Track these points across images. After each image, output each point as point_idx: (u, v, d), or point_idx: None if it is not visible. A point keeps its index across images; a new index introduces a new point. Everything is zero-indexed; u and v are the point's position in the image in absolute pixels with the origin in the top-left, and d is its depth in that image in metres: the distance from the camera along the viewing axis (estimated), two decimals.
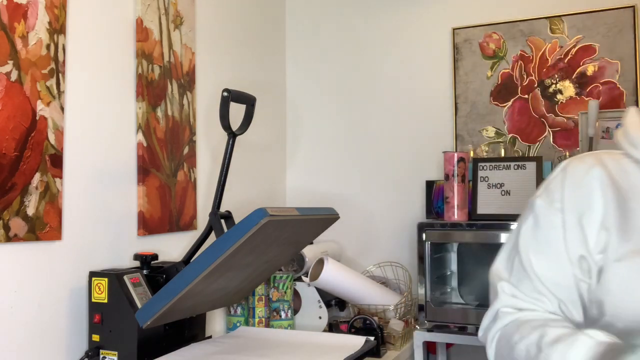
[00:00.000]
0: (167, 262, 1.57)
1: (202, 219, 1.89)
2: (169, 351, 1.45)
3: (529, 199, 0.96)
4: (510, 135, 2.21)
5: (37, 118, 1.33)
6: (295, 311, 1.98)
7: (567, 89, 2.14)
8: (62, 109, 1.40)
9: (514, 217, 1.88)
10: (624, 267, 0.81)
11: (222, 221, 1.49)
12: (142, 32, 1.66)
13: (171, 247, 1.76)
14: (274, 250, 1.47)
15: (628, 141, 0.86)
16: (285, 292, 1.89)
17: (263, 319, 1.84)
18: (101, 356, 1.38)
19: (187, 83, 1.86)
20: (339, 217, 1.55)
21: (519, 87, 2.21)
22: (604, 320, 0.84)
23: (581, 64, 2.12)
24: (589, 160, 0.89)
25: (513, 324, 0.91)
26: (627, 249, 0.81)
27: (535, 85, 2.18)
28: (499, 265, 0.99)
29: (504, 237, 1.86)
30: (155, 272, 1.48)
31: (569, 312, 0.89)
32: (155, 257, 1.51)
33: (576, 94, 2.13)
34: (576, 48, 2.13)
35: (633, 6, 2.06)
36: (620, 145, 0.88)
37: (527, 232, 0.93)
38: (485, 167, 2.02)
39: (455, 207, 1.97)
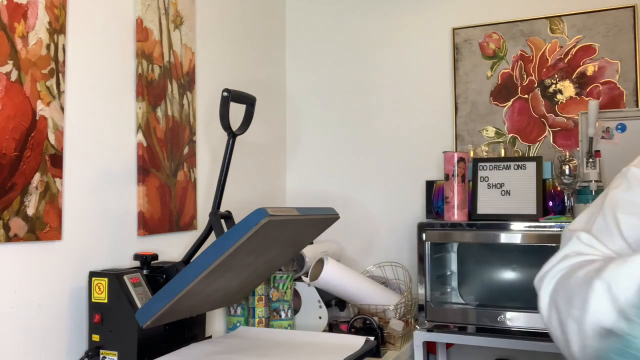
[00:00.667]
0: (167, 262, 1.57)
1: (202, 219, 1.89)
2: (169, 351, 1.45)
3: (622, 168, 0.94)
4: (510, 135, 2.21)
5: (37, 118, 1.33)
6: (295, 311, 1.98)
7: (567, 89, 2.14)
8: (62, 109, 1.40)
9: (514, 217, 1.90)
10: None
11: (222, 221, 1.49)
12: (142, 32, 1.66)
13: (171, 247, 1.76)
14: (274, 250, 1.47)
15: None
16: (285, 292, 1.89)
17: (263, 319, 1.84)
18: (101, 356, 1.38)
19: (187, 83, 1.86)
20: (339, 217, 1.55)
21: (519, 87, 2.21)
22: None
23: (581, 64, 2.12)
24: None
25: (579, 263, 0.88)
26: None
27: (535, 85, 2.18)
28: (578, 221, 0.95)
29: (504, 237, 1.86)
30: (155, 272, 1.48)
31: None
32: (155, 257, 1.51)
33: (576, 94, 2.13)
34: (576, 48, 2.13)
35: (633, 6, 2.06)
36: None
37: (618, 194, 0.92)
38: (485, 167, 2.02)
39: (455, 207, 1.97)
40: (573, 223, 0.97)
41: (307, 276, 2.00)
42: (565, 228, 0.98)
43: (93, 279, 1.40)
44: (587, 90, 2.11)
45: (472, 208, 2.00)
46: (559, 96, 2.15)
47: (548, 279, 0.91)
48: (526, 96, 2.19)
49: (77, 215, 1.44)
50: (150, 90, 1.68)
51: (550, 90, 2.16)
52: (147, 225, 1.65)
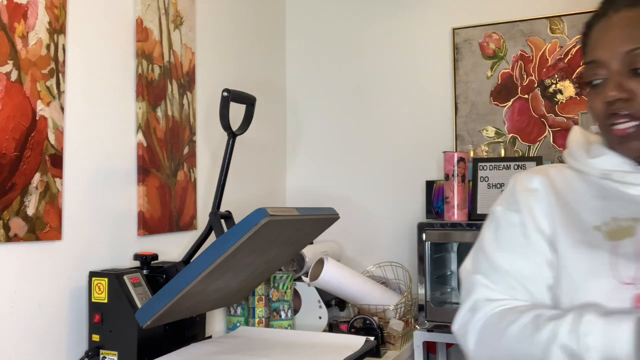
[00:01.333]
0: (167, 262, 1.57)
1: (202, 219, 1.89)
2: (169, 351, 1.45)
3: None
4: (510, 135, 2.21)
5: (37, 118, 1.33)
6: (295, 311, 1.98)
7: (567, 89, 2.14)
8: (62, 109, 1.40)
9: None
10: (568, 259, 0.92)
11: (222, 221, 1.49)
12: (142, 32, 1.66)
13: (171, 247, 1.76)
14: (274, 250, 1.47)
15: (570, 155, 0.99)
16: (285, 292, 1.89)
17: (263, 319, 1.84)
18: (101, 356, 1.38)
19: (187, 83, 1.86)
20: (339, 217, 1.55)
21: (519, 87, 2.21)
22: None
23: (581, 64, 2.12)
24: (534, 171, 1.03)
25: (496, 312, 0.94)
26: (570, 241, 0.92)
27: (535, 85, 2.18)
28: (468, 264, 1.04)
29: None
30: (155, 272, 1.48)
31: (541, 302, 0.95)
32: (155, 257, 1.51)
33: (576, 94, 2.13)
34: (576, 48, 2.13)
35: None
36: (565, 160, 1.01)
37: (490, 234, 1.02)
38: (485, 167, 2.02)
39: (455, 207, 1.97)
40: (466, 261, 1.06)
41: (307, 276, 2.00)
42: (460, 270, 1.06)
43: (93, 279, 1.40)
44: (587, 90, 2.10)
45: (472, 208, 2.00)
46: (559, 96, 2.15)
47: (470, 329, 0.96)
48: (526, 96, 2.20)
49: (77, 215, 1.44)
50: (150, 90, 1.68)
51: (550, 90, 2.16)
52: (147, 225, 1.65)
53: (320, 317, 1.96)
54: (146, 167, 1.65)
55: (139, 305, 1.36)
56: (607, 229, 0.90)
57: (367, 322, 1.87)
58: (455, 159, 1.99)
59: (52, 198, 1.36)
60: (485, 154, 2.17)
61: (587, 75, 0.93)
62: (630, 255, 0.86)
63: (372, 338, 1.57)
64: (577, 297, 0.88)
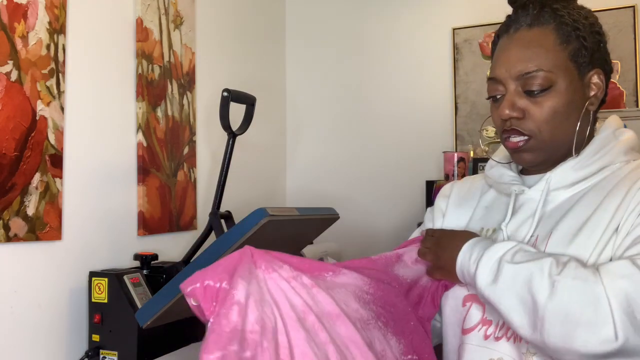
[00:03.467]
0: (167, 262, 1.57)
1: (202, 219, 1.89)
2: (169, 351, 1.45)
3: None
4: None
5: (37, 118, 1.33)
6: None
7: None
8: (62, 109, 1.40)
9: None
10: None
11: (222, 221, 1.49)
12: (142, 32, 1.66)
13: (171, 247, 1.76)
14: (274, 250, 1.46)
15: (488, 174, 1.10)
16: None
17: None
18: (101, 356, 1.38)
19: (187, 83, 1.86)
20: (339, 217, 1.55)
21: None
22: None
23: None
24: (456, 181, 1.21)
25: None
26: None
27: None
28: None
29: None
30: (155, 272, 1.48)
31: None
32: (155, 257, 1.51)
33: None
34: None
35: (633, 6, 2.06)
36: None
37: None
38: (484, 167, 2.02)
39: None
40: None
41: None
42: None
43: (93, 279, 1.40)
44: None
45: None
46: None
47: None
48: None
49: (77, 215, 1.44)
50: (150, 90, 1.68)
51: None
52: (147, 225, 1.65)
53: None
54: (146, 167, 1.65)
55: (139, 305, 1.36)
56: None
57: None
58: (455, 159, 1.99)
59: (52, 198, 1.36)
60: (485, 154, 2.17)
61: (489, 90, 0.98)
62: None
63: None
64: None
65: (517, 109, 0.93)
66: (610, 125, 0.99)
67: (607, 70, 0.97)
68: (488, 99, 0.99)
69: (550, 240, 0.92)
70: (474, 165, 2.04)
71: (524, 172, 1.04)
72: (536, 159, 0.96)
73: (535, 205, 0.97)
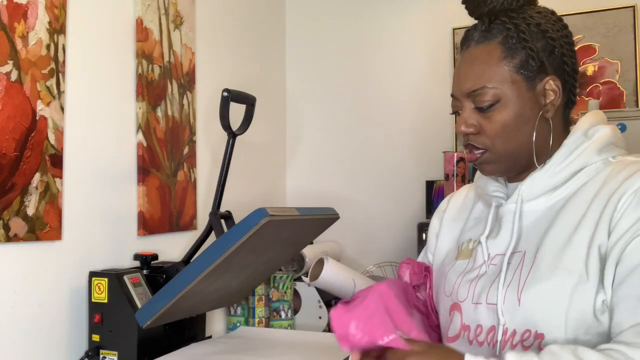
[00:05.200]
0: (167, 262, 1.57)
1: (202, 219, 1.89)
2: (169, 351, 1.45)
3: None
4: None
5: (37, 118, 1.33)
6: (295, 311, 1.98)
7: None
8: (62, 109, 1.40)
9: None
10: (434, 272, 1.14)
11: (222, 221, 1.49)
12: (142, 32, 1.66)
13: (171, 247, 1.76)
14: (274, 250, 1.47)
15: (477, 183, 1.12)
16: (285, 292, 1.89)
17: (263, 319, 1.83)
18: (101, 356, 1.38)
19: (187, 83, 1.86)
20: (339, 217, 1.55)
21: None
22: None
23: (581, 64, 2.12)
24: (441, 206, 1.21)
25: None
26: (438, 257, 1.13)
27: None
28: None
29: None
30: (155, 272, 1.48)
31: None
32: (155, 257, 1.51)
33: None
34: (576, 48, 2.12)
35: (633, 6, 2.06)
36: None
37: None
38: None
39: None
40: None
41: (307, 276, 2.00)
42: None
43: (93, 279, 1.40)
44: (587, 90, 2.11)
45: None
46: None
47: None
48: None
49: (77, 215, 1.44)
50: (150, 90, 1.68)
51: None
52: (147, 225, 1.65)
53: (320, 317, 1.96)
54: (146, 167, 1.65)
55: (139, 305, 1.36)
56: (461, 249, 1.07)
57: None
58: (455, 159, 1.99)
59: (52, 198, 1.36)
60: None
61: (452, 106, 1.02)
62: (456, 273, 1.03)
63: None
64: (437, 298, 1.10)
65: (470, 125, 0.97)
66: (581, 125, 0.98)
67: (567, 73, 0.98)
68: (452, 114, 1.04)
69: (537, 256, 0.92)
70: (474, 165, 2.03)
71: (510, 179, 1.05)
72: (496, 169, 0.99)
73: (512, 217, 0.98)
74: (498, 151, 0.96)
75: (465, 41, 1.01)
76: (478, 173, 1.11)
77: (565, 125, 1.00)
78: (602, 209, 0.88)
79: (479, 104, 0.95)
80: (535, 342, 0.88)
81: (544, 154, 0.96)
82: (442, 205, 1.20)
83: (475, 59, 0.97)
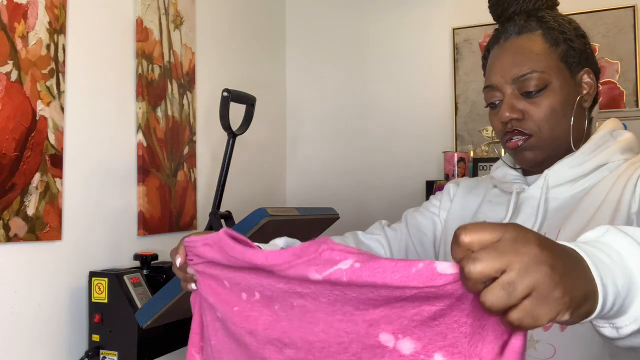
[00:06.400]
0: (167, 262, 1.57)
1: (202, 219, 1.89)
2: (169, 351, 1.45)
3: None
4: None
5: (37, 118, 1.33)
6: None
7: None
8: (62, 109, 1.40)
9: None
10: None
11: (222, 221, 1.49)
12: (142, 32, 1.66)
13: (171, 247, 1.75)
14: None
15: (493, 174, 1.14)
16: None
17: None
18: (101, 356, 1.38)
19: (187, 83, 1.86)
20: (339, 217, 1.55)
21: None
22: None
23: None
24: (455, 180, 1.24)
25: None
26: (449, 232, 1.13)
27: None
28: None
29: None
30: (155, 272, 1.48)
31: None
32: (155, 257, 1.51)
33: None
34: None
35: (633, 6, 2.06)
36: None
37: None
38: (485, 167, 2.02)
39: None
40: None
41: None
42: None
43: (93, 279, 1.40)
44: None
45: None
46: None
47: None
48: None
49: (77, 215, 1.44)
50: (150, 90, 1.68)
51: None
52: (147, 225, 1.65)
53: None
54: (146, 167, 1.65)
55: (139, 305, 1.36)
56: None
57: None
58: (455, 159, 1.99)
59: (52, 198, 1.36)
60: (485, 154, 2.17)
61: (486, 98, 1.03)
62: None
63: None
64: None
65: (516, 110, 0.98)
66: (607, 125, 1.03)
67: (595, 70, 1.03)
68: (486, 107, 1.04)
69: (558, 238, 0.94)
70: (474, 166, 2.04)
71: (525, 173, 1.08)
72: (537, 157, 1.00)
73: (537, 202, 1.00)
74: (544, 136, 0.98)
75: (503, 34, 1.02)
76: (494, 166, 1.13)
77: (590, 121, 1.03)
78: (621, 190, 0.91)
79: (526, 88, 0.97)
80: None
81: (577, 143, 0.99)
82: (455, 180, 1.23)
83: (520, 47, 0.99)
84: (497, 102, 1.01)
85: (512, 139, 0.99)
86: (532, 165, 1.03)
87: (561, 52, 0.98)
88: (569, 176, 0.98)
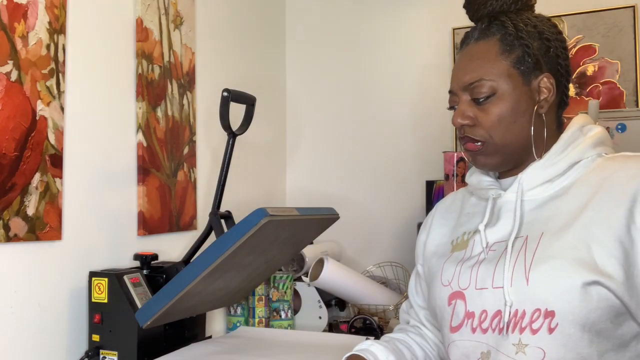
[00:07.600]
0: (167, 262, 1.57)
1: (202, 219, 1.89)
2: (169, 351, 1.45)
3: None
4: None
5: (37, 118, 1.33)
6: (295, 311, 1.98)
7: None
8: (62, 109, 1.40)
9: None
10: (427, 267, 1.19)
11: (222, 221, 1.49)
12: (142, 32, 1.66)
13: (171, 247, 1.76)
14: (274, 250, 1.47)
15: (468, 181, 1.16)
16: (285, 292, 1.89)
17: (263, 319, 1.83)
18: (101, 356, 1.38)
19: (187, 83, 1.86)
20: (339, 217, 1.55)
21: None
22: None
23: (581, 64, 2.12)
24: (433, 209, 1.25)
25: None
26: (432, 251, 1.17)
27: None
28: None
29: None
30: (155, 272, 1.48)
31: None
32: (155, 257, 1.51)
33: (576, 94, 2.13)
34: (576, 48, 2.13)
35: (633, 6, 2.06)
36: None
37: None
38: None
39: None
40: None
41: (307, 276, 2.00)
42: None
43: (93, 279, 1.40)
44: (587, 90, 2.11)
45: None
46: None
47: None
48: None
49: (77, 215, 1.44)
50: (150, 90, 1.68)
51: None
52: (147, 225, 1.65)
53: (320, 317, 1.96)
54: (146, 167, 1.65)
55: (139, 305, 1.36)
56: (456, 242, 1.09)
57: (367, 322, 1.87)
58: (455, 159, 1.99)
59: (52, 198, 1.36)
60: None
61: (449, 101, 1.06)
62: (454, 262, 1.05)
63: (372, 338, 1.57)
64: (429, 296, 1.12)
65: (467, 117, 1.01)
66: (576, 122, 1.03)
67: (560, 73, 1.02)
68: (449, 109, 1.07)
69: (542, 239, 0.95)
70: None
71: (500, 176, 1.09)
72: (491, 161, 1.03)
73: (513, 205, 1.01)
74: (496, 142, 1.00)
75: (465, 40, 1.06)
76: (469, 172, 1.15)
77: (558, 125, 1.05)
78: (614, 200, 0.91)
79: (475, 95, 0.99)
80: (545, 321, 0.89)
81: (540, 148, 1.01)
82: (427, 219, 1.24)
83: (474, 54, 1.02)
84: (455, 107, 1.04)
85: (466, 144, 1.03)
86: (490, 169, 1.06)
87: (515, 57, 0.99)
88: (543, 177, 0.99)
